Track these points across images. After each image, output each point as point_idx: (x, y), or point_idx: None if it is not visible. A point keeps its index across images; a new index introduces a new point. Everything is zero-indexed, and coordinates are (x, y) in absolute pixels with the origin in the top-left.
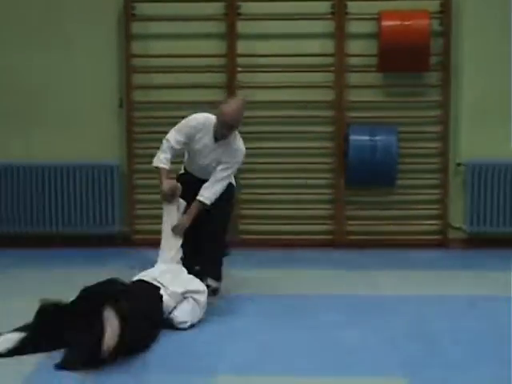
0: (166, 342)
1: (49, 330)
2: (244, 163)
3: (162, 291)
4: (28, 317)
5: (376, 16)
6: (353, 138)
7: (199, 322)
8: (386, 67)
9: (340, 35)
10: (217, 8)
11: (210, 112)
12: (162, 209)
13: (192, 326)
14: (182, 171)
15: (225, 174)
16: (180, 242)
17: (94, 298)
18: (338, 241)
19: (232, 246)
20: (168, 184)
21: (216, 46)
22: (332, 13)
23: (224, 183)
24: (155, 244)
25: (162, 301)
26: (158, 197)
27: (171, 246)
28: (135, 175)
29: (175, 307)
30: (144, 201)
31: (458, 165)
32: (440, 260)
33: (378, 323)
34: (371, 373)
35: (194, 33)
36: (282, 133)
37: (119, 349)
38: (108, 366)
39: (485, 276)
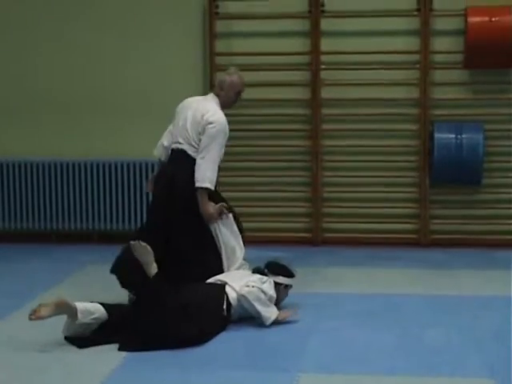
0: (249, 340)
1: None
2: (327, 161)
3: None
4: None
5: (462, 12)
6: (438, 135)
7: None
8: (472, 64)
9: (425, 32)
10: (300, 5)
11: None
12: (241, 206)
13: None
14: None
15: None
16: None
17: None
18: (423, 240)
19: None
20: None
21: (300, 44)
22: (417, 9)
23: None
24: None
25: (224, 293)
26: (238, 194)
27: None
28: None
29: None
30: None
31: None
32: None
33: (463, 323)
34: (456, 373)
35: (277, 31)
36: (366, 131)
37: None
38: (193, 361)
39: None
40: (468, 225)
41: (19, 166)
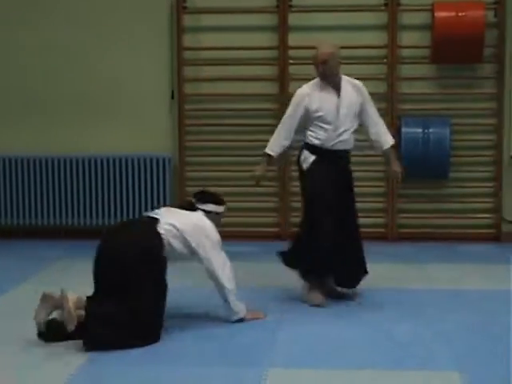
0: (217, 336)
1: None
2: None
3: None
4: None
5: (429, 7)
6: (405, 130)
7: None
8: (439, 59)
9: (393, 27)
10: (269, 0)
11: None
12: None
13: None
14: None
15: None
16: None
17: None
18: (391, 234)
19: (284, 239)
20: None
21: (268, 39)
22: (385, 4)
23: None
24: None
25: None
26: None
27: None
28: (186, 167)
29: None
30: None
31: None
32: (494, 254)
33: (432, 317)
34: (424, 367)
35: (245, 25)
36: None
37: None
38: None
39: None
40: (435, 219)
41: None
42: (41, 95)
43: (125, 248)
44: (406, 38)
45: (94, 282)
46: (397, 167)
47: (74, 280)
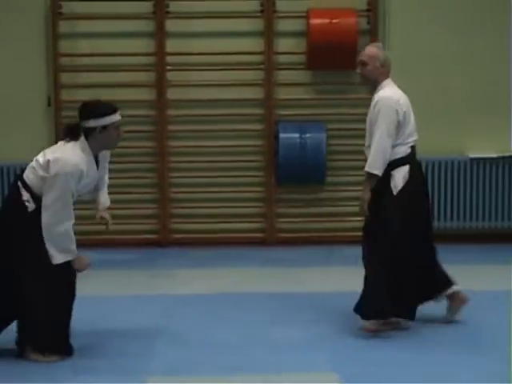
0: (95, 344)
1: None
2: (174, 162)
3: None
4: None
5: (304, 14)
6: (282, 135)
7: (121, 323)
8: (315, 65)
9: (269, 33)
10: (145, 6)
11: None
12: (91, 209)
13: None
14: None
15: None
16: None
17: None
18: (269, 238)
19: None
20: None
21: (145, 45)
22: (261, 11)
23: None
24: (85, 245)
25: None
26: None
27: None
28: None
29: None
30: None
31: None
32: None
33: (308, 320)
34: (300, 369)
35: (122, 31)
36: (213, 131)
37: None
38: (37, 371)
39: None
40: (313, 222)
41: None
42: None
43: None
44: (282, 44)
45: None
46: (362, 193)
47: None
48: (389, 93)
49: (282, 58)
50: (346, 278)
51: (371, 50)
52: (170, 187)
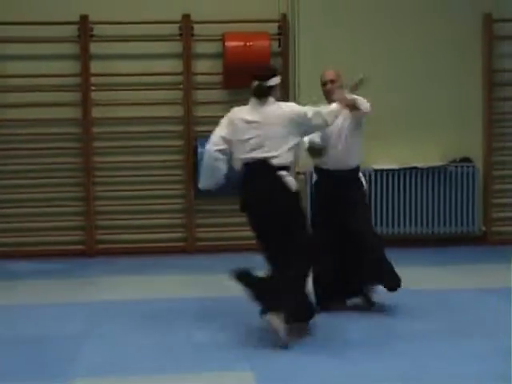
0: (19, 350)
1: None
2: (99, 176)
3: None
4: None
5: (220, 37)
6: (201, 150)
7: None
8: (230, 84)
9: (187, 55)
10: (71, 30)
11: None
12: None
13: None
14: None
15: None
16: None
17: None
18: (189, 247)
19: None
20: None
21: (70, 66)
22: (180, 34)
23: None
24: (14, 256)
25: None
26: (15, 210)
27: None
28: None
29: None
30: (2, 215)
31: (298, 173)
32: None
33: (228, 322)
34: (219, 368)
35: (49, 54)
36: (135, 147)
37: None
38: None
39: None
40: (230, 232)
41: None
42: None
43: None
44: (200, 65)
45: None
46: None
47: None
48: None
49: (200, 78)
50: None
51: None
52: (95, 200)
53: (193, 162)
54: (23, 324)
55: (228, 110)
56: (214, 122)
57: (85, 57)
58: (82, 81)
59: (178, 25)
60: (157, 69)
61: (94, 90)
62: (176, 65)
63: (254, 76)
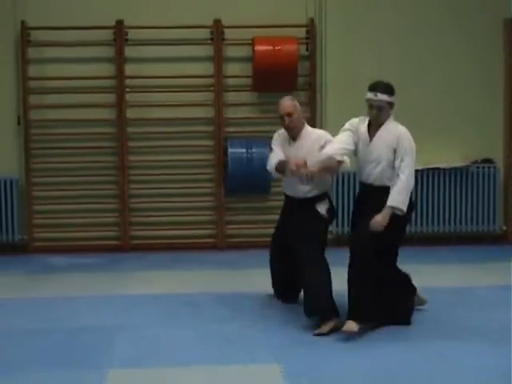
0: (57, 340)
1: None
2: (135, 175)
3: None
4: None
5: (250, 42)
6: (231, 150)
7: (85, 320)
8: (260, 87)
9: (218, 58)
10: (106, 34)
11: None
12: (58, 218)
13: None
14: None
15: None
16: None
17: None
18: (220, 243)
19: (126, 251)
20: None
21: (106, 69)
22: (211, 38)
23: None
24: (53, 251)
25: None
26: (54, 207)
27: None
28: (33, 188)
29: None
30: (41, 211)
31: None
32: None
33: (255, 317)
34: (247, 361)
35: (86, 57)
36: (167, 147)
37: None
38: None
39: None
40: (258, 229)
41: None
42: None
43: None
44: (231, 68)
45: None
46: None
47: None
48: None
49: (230, 81)
50: None
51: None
52: (129, 198)
53: (223, 161)
54: (60, 315)
55: (257, 112)
56: (244, 123)
57: (120, 60)
58: (116, 83)
59: (210, 29)
60: (189, 71)
61: (128, 92)
62: (207, 68)
63: None
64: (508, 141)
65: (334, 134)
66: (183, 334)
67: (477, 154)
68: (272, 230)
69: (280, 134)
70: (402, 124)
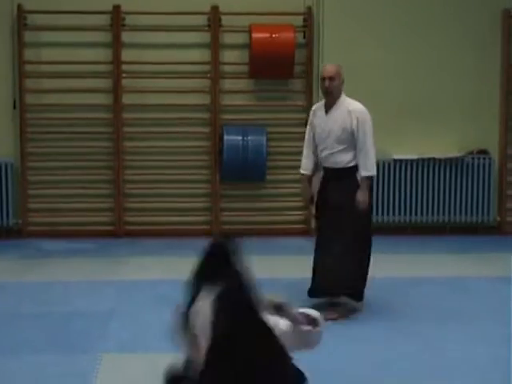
0: (51, 325)
1: None
2: (128, 160)
3: None
4: None
5: (247, 29)
6: (227, 137)
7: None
8: (256, 74)
9: (215, 45)
10: (103, 19)
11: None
12: (53, 203)
13: None
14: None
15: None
16: None
17: None
18: (215, 230)
19: (120, 236)
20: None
21: (103, 54)
22: (208, 25)
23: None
24: (47, 236)
25: None
26: (49, 192)
27: None
28: (28, 172)
29: None
30: (36, 195)
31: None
32: (305, 246)
33: None
34: None
35: (82, 41)
36: (163, 133)
37: None
38: None
39: None
40: (254, 216)
41: None
42: None
43: None
44: (227, 55)
45: None
46: (360, 197)
47: None
48: (360, 105)
49: (227, 68)
50: (283, 266)
51: (335, 67)
52: (124, 183)
53: (218, 148)
54: (54, 299)
55: (254, 99)
56: (240, 110)
57: (117, 45)
58: (113, 68)
59: (207, 16)
60: (186, 58)
61: (124, 78)
62: (204, 54)
63: None
64: (503, 132)
65: None
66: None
67: (472, 145)
68: (267, 218)
69: (315, 111)
70: (397, 113)
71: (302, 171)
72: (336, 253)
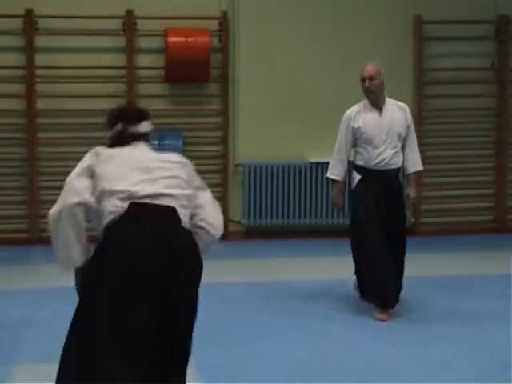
0: None
1: None
2: (45, 166)
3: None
4: None
5: (163, 33)
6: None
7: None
8: (172, 79)
9: (130, 50)
10: (16, 23)
11: None
12: None
13: None
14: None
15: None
16: None
17: None
18: None
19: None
20: None
21: (16, 59)
22: (123, 29)
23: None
24: None
25: None
26: None
27: None
28: None
29: None
30: None
31: (237, 166)
32: (221, 251)
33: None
34: None
35: None
36: (78, 138)
37: None
38: None
39: (262, 264)
40: None
41: None
42: None
43: None
44: (143, 59)
45: None
46: (412, 193)
47: None
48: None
49: (143, 73)
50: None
51: (376, 66)
52: (38, 190)
53: None
54: None
55: (170, 104)
56: (156, 114)
57: (30, 50)
58: (26, 73)
59: (122, 20)
60: (101, 62)
61: (38, 82)
62: (119, 59)
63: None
64: (417, 135)
65: (247, 126)
66: None
67: None
68: None
69: (355, 115)
70: (313, 117)
71: (334, 177)
72: (398, 260)
